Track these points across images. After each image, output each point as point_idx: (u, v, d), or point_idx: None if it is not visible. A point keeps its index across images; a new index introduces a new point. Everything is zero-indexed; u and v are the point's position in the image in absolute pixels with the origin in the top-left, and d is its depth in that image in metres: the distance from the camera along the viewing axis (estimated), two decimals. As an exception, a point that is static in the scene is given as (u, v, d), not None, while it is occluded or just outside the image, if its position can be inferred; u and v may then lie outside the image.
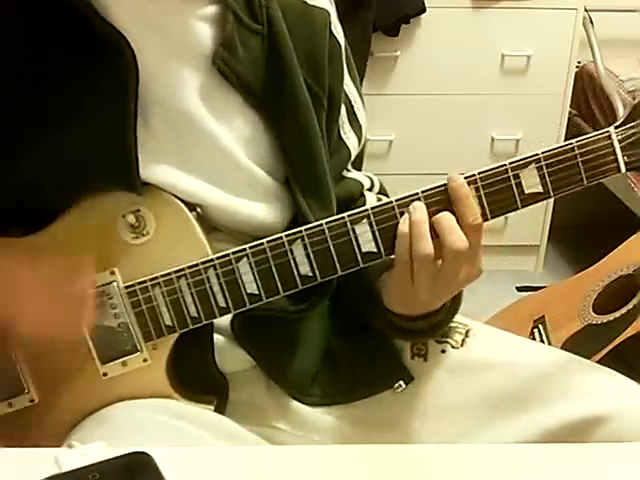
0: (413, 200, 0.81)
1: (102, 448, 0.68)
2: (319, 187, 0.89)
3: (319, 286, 0.86)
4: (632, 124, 0.81)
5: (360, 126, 0.99)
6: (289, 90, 0.87)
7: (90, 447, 0.68)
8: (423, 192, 0.81)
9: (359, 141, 0.99)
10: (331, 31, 0.93)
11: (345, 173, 1.00)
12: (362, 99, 1.00)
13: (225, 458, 0.73)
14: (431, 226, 0.80)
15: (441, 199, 0.81)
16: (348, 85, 0.97)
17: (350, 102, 0.98)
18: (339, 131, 0.96)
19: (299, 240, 0.82)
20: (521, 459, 0.73)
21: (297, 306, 0.90)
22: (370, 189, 1.01)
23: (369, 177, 1.02)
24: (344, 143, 0.97)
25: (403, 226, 0.81)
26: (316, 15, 0.91)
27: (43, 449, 0.72)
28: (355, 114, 0.99)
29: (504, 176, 0.81)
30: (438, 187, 0.81)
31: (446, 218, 0.80)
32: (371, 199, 1.00)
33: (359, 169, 1.03)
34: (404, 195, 0.82)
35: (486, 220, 0.82)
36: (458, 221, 0.80)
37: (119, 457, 0.64)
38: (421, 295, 0.83)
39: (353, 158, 0.99)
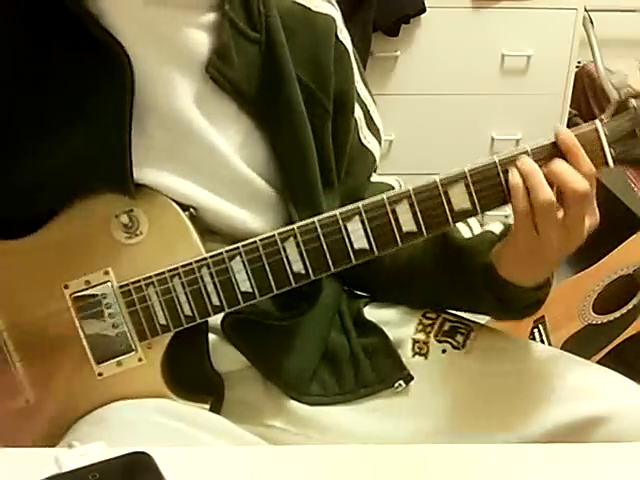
0: (404, 196, 0.81)
1: (102, 448, 0.68)
2: (311, 196, 0.89)
3: (309, 292, 0.86)
4: (618, 117, 0.81)
5: (378, 129, 1.00)
6: (285, 99, 0.87)
7: (90, 447, 0.68)
8: (440, 180, 0.80)
9: (379, 144, 1.00)
10: (337, 36, 0.93)
11: (371, 178, 1.00)
12: (374, 101, 1.00)
13: (225, 458, 0.73)
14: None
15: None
16: (362, 89, 0.98)
17: (366, 106, 0.98)
18: (359, 136, 0.97)
19: (291, 238, 0.82)
20: (521, 459, 0.73)
21: (286, 313, 0.90)
22: None
23: (396, 180, 1.02)
24: (367, 148, 0.98)
25: (514, 178, 0.79)
26: (319, 21, 0.91)
27: (43, 449, 0.72)
28: (372, 118, 0.99)
29: (494, 172, 0.81)
30: (485, 165, 0.80)
31: (563, 165, 0.79)
32: None
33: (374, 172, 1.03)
34: (394, 192, 0.81)
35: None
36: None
37: (119, 457, 0.64)
38: (548, 251, 0.81)
39: (378, 161, 1.00)
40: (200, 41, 0.85)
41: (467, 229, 0.93)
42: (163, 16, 0.83)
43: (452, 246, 0.91)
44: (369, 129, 0.99)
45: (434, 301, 0.99)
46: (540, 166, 0.79)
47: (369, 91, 1.00)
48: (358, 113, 0.97)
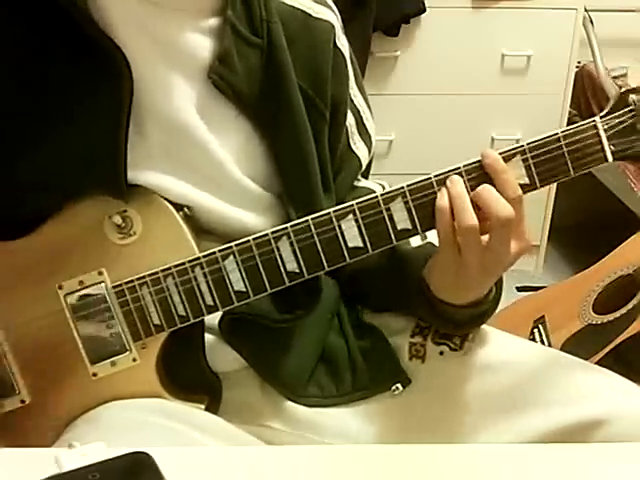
0: (399, 193, 0.81)
1: (102, 448, 0.68)
2: (311, 202, 0.89)
3: (308, 294, 0.86)
4: (618, 113, 0.81)
5: (369, 136, 1.00)
6: (285, 104, 0.87)
7: (90, 447, 0.68)
8: (435, 176, 0.81)
9: (369, 151, 1.00)
10: (335, 44, 0.93)
11: (356, 183, 1.00)
12: (370, 109, 1.00)
13: (225, 458, 0.73)
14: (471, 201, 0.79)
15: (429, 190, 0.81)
16: (356, 96, 0.98)
17: (359, 112, 0.98)
18: (348, 142, 0.97)
19: (285, 237, 0.82)
20: (521, 459, 0.73)
21: (283, 315, 0.90)
22: None
23: (380, 185, 1.02)
24: (354, 153, 0.98)
25: (442, 200, 0.79)
26: (319, 27, 0.91)
27: (43, 449, 0.72)
28: (364, 124, 0.99)
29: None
30: (450, 171, 0.81)
31: (488, 190, 0.79)
32: None
33: (366, 178, 1.03)
34: (388, 190, 0.81)
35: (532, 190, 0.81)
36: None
37: (119, 457, 0.63)
38: (471, 273, 0.81)
39: (364, 168, 1.00)
40: (201, 45, 0.85)
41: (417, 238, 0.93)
42: (165, 20, 0.83)
43: (395, 254, 0.91)
44: (360, 135, 0.99)
45: (383, 306, 1.00)
46: (473, 185, 0.80)
47: (364, 97, 1.00)
48: (350, 120, 0.97)
